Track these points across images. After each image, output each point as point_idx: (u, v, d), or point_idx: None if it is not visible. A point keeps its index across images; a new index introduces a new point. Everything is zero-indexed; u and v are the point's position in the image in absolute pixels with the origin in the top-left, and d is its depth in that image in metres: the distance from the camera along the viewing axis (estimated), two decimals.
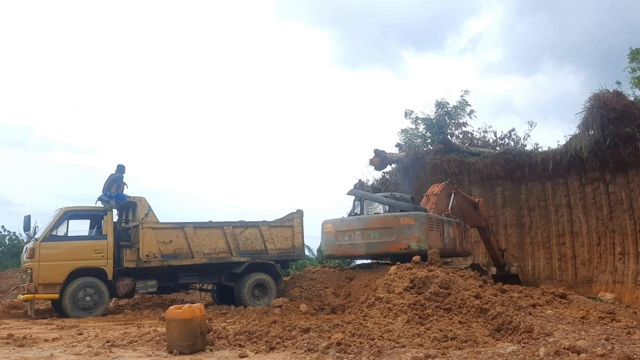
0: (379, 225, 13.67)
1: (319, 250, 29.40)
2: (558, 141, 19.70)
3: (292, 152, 67.82)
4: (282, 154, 67.15)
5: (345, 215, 15.66)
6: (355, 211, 14.94)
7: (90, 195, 13.08)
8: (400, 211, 13.71)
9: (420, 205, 14.97)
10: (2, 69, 57.78)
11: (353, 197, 15.46)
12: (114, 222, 12.92)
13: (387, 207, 14.23)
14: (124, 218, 13.55)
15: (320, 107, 69.66)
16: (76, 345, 7.28)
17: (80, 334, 8.35)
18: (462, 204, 15.90)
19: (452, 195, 15.20)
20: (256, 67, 67.57)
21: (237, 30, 66.88)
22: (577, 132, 17.05)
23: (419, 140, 24.35)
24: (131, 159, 62.22)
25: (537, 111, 61.47)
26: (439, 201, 14.75)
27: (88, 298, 11.91)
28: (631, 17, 49.18)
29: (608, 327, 8.41)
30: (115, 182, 13.18)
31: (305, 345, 6.69)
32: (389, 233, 13.28)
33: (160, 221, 13.01)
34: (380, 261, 14.52)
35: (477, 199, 17.26)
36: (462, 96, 24.37)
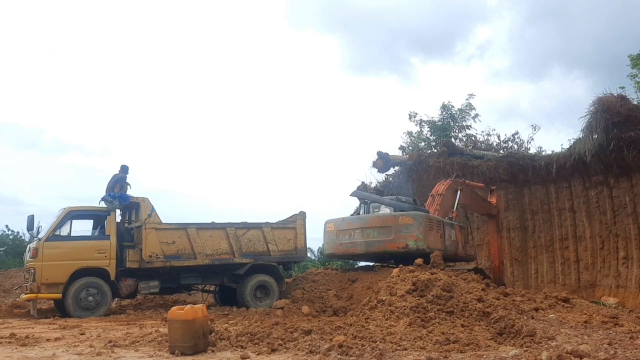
0: (378, 224, 13.75)
1: (321, 252, 29.43)
2: (562, 145, 19.69)
3: (298, 155, 68.24)
4: (288, 157, 67.53)
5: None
6: (360, 212, 14.94)
7: (98, 196, 13.17)
8: (401, 211, 13.75)
9: (425, 205, 14.93)
10: (17, 72, 58.43)
11: (357, 199, 15.44)
12: (117, 223, 12.93)
13: (392, 210, 14.23)
14: (127, 218, 13.56)
15: (326, 111, 70.11)
16: (78, 345, 7.28)
17: (82, 334, 8.36)
18: (470, 198, 15.80)
19: (459, 192, 15.12)
20: (264, 71, 68.19)
21: (248, 35, 67.45)
22: (581, 135, 17.02)
23: (423, 143, 24.34)
24: (137, 160, 62.67)
25: (543, 116, 61.75)
26: (444, 201, 14.69)
27: (91, 298, 11.92)
28: (637, 23, 49.25)
29: (611, 332, 8.38)
30: (118, 183, 13.19)
31: (307, 347, 6.69)
32: (388, 232, 13.34)
33: (163, 222, 13.03)
34: (383, 264, 14.48)
35: (492, 187, 17.18)
36: (467, 99, 24.39)
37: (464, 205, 15.78)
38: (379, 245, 13.47)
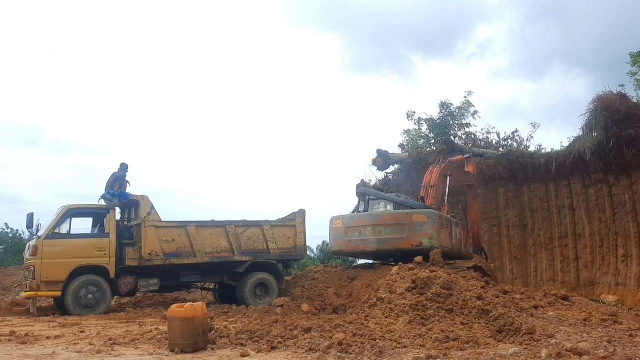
0: (390, 221, 13.49)
1: (321, 250, 29.44)
2: (561, 142, 19.69)
3: (298, 154, 68.37)
4: (288, 156, 67.64)
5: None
6: (359, 210, 14.88)
7: (98, 196, 13.24)
8: (411, 209, 13.64)
9: (420, 196, 14.82)
10: (18, 71, 58.52)
11: (357, 198, 15.36)
12: (117, 221, 12.93)
13: (392, 207, 14.16)
14: (127, 216, 13.55)
15: (326, 110, 70.18)
16: (78, 343, 7.29)
17: (82, 332, 8.36)
18: (457, 178, 15.65)
19: (448, 178, 14.93)
20: (264, 71, 68.36)
21: (248, 35, 67.54)
22: (581, 134, 17.02)
23: (422, 141, 24.34)
24: (137, 159, 62.75)
25: (543, 115, 61.87)
26: (437, 192, 14.48)
27: (90, 296, 11.92)
28: (637, 22, 49.33)
29: (610, 330, 8.38)
30: (118, 181, 13.19)
31: (307, 345, 6.69)
32: (401, 229, 13.11)
33: (163, 220, 13.02)
34: (382, 262, 14.46)
35: (467, 155, 17.04)
36: (465, 97, 24.37)
37: (452, 186, 15.60)
38: (391, 243, 13.21)
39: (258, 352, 6.50)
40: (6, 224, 28.43)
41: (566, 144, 18.54)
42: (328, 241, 18.09)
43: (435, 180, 14.64)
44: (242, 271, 13.36)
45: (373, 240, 13.51)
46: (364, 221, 13.88)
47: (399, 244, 13.13)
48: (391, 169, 21.94)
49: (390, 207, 14.24)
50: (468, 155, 17.14)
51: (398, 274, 10.05)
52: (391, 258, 14.25)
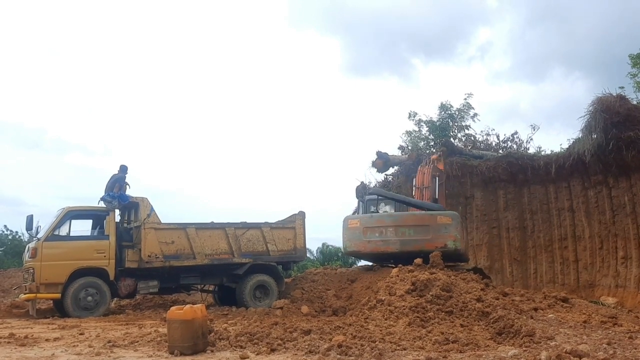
0: (414, 222, 13.36)
1: (321, 251, 29.42)
2: (561, 144, 19.67)
3: (298, 155, 68.33)
4: (288, 157, 67.62)
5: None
6: (358, 212, 14.84)
7: (98, 196, 13.24)
8: (427, 210, 13.52)
9: (434, 198, 14.74)
10: (18, 72, 58.55)
11: (356, 199, 15.34)
12: (116, 223, 12.94)
13: (392, 209, 14.13)
14: (127, 218, 13.56)
15: (326, 111, 70.15)
16: (77, 345, 7.29)
17: (81, 334, 8.36)
18: (440, 178, 15.54)
19: (437, 178, 14.83)
20: (265, 71, 68.27)
21: (248, 35, 67.56)
22: (580, 135, 17.01)
23: (422, 142, 24.32)
24: (137, 160, 62.74)
25: (542, 117, 61.95)
26: (431, 193, 14.42)
27: (90, 298, 11.92)
28: (636, 24, 49.40)
29: (610, 332, 8.38)
30: (117, 183, 13.21)
31: (307, 347, 6.69)
32: (425, 231, 13.01)
33: (163, 222, 13.02)
34: (382, 264, 14.43)
35: (438, 154, 16.87)
36: (465, 99, 24.36)
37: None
38: (415, 244, 12.99)
39: (257, 354, 6.50)
40: (5, 225, 28.43)
41: (566, 146, 18.52)
42: (336, 242, 17.92)
43: (428, 182, 14.61)
44: (241, 273, 13.36)
45: (395, 241, 13.26)
46: (385, 222, 13.62)
47: (423, 246, 12.85)
48: (391, 170, 21.93)
49: (388, 208, 14.22)
50: (439, 153, 17.09)
51: (397, 275, 10.06)
52: (413, 259, 14.13)
